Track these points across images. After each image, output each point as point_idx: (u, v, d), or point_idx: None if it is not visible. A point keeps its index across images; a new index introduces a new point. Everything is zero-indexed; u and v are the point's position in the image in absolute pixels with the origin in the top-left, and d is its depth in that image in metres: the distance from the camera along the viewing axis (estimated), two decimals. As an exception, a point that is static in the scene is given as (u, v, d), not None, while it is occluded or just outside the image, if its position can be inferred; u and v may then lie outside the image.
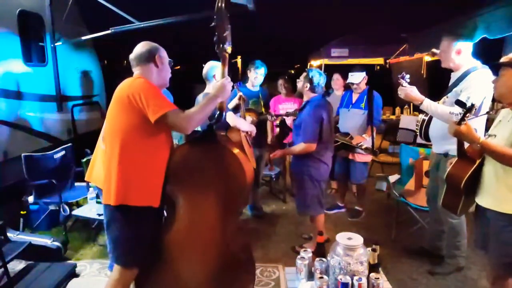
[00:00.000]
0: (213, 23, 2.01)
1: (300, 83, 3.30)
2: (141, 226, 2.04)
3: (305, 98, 3.32)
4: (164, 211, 2.28)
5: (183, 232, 2.10)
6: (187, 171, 2.11)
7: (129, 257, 2.06)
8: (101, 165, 2.36)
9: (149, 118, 1.93)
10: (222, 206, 2.09)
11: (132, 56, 2.14)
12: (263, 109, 4.09)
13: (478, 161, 2.11)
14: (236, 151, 2.14)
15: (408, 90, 2.83)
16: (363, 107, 4.06)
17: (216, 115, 2.15)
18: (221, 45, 2.04)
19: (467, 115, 2.01)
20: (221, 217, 2.10)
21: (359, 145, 3.86)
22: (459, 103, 2.10)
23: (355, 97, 4.18)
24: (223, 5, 2.02)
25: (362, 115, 4.05)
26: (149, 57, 2.11)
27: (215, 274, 2.09)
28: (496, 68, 2.11)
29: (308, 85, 3.21)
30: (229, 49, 2.07)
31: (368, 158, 4.16)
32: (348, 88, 4.44)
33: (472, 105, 2.05)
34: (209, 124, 2.20)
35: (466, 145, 2.16)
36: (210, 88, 3.11)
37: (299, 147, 3.16)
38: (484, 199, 2.10)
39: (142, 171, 2.01)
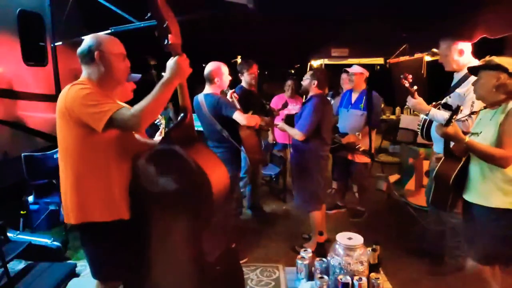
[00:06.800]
0: (148, 14, 1.69)
1: (307, 80, 3.37)
2: (112, 240, 1.87)
3: (311, 94, 3.38)
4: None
5: (156, 244, 1.94)
6: (146, 182, 1.90)
7: (104, 272, 1.96)
8: None
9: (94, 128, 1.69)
10: (188, 216, 1.89)
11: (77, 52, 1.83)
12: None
13: (464, 159, 2.23)
14: (198, 158, 1.85)
15: (415, 102, 2.86)
16: (362, 108, 4.04)
17: (180, 117, 1.88)
18: (165, 41, 1.69)
19: (454, 117, 2.11)
20: (189, 227, 1.89)
21: (357, 147, 3.85)
22: (446, 106, 2.22)
23: (354, 97, 4.15)
24: None
25: (361, 116, 4.02)
26: (89, 56, 1.78)
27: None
28: (474, 72, 2.21)
29: (316, 82, 3.30)
30: (175, 40, 1.70)
31: (368, 159, 4.16)
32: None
33: (458, 107, 2.13)
34: (168, 130, 1.91)
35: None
36: (210, 89, 3.10)
37: (294, 131, 3.28)
38: (471, 195, 2.21)
39: (98, 185, 1.81)
